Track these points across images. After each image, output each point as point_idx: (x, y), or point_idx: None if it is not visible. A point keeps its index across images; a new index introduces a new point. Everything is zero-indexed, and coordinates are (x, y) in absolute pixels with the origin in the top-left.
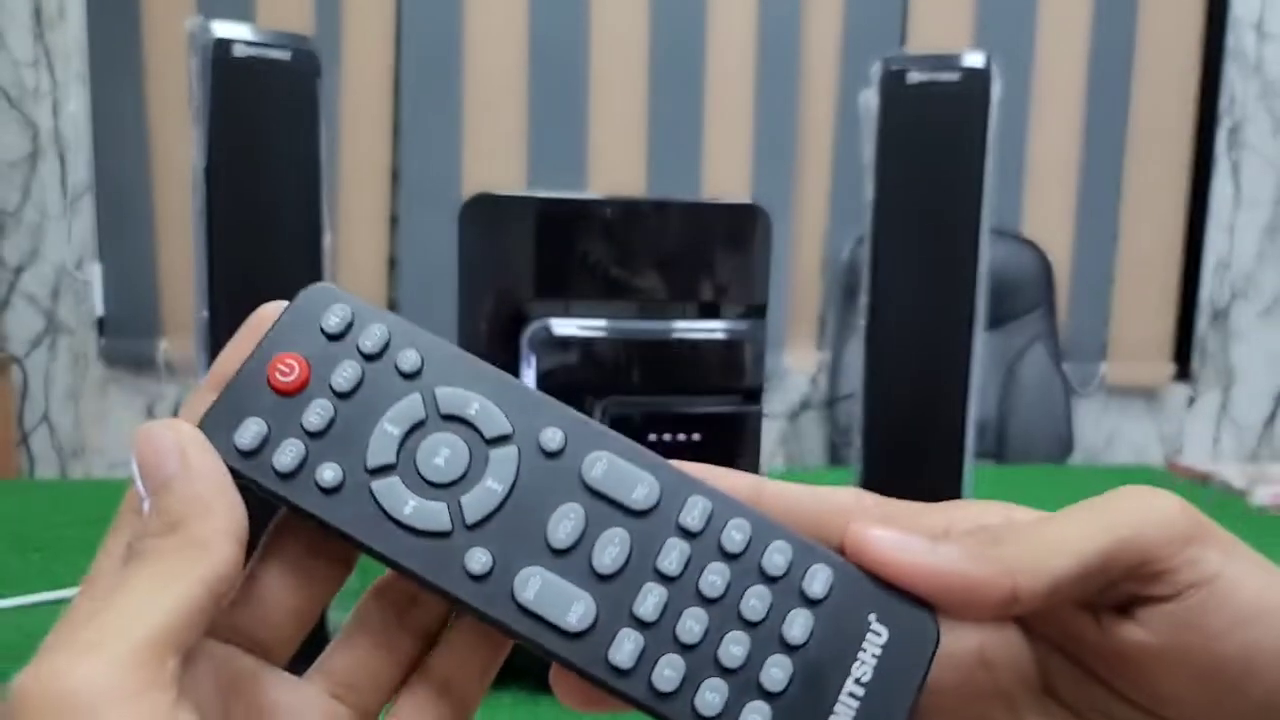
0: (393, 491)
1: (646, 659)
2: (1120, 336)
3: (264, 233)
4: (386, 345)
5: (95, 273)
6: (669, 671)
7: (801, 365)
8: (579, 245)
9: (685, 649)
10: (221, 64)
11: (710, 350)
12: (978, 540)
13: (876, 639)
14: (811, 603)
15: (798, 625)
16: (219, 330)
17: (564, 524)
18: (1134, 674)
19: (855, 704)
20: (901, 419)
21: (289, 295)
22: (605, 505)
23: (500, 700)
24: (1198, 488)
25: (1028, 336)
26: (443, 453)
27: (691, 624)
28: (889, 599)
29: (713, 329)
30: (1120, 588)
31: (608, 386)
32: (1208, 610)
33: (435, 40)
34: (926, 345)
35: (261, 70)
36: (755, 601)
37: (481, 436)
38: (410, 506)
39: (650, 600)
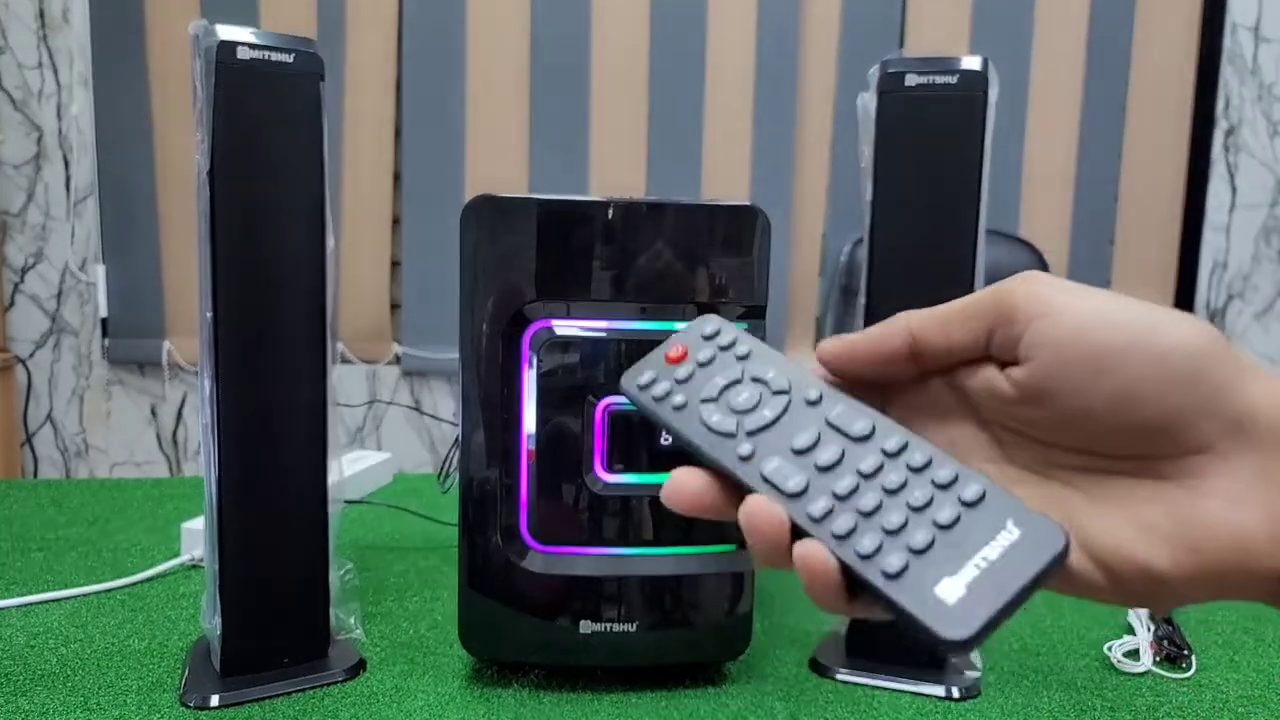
0: (709, 409)
1: (832, 514)
2: None
3: (267, 234)
4: (734, 341)
5: (99, 274)
6: (843, 521)
7: None
8: (580, 247)
9: (861, 512)
10: (225, 66)
11: None
12: (889, 319)
13: (1008, 535)
14: (963, 502)
15: (946, 510)
16: (223, 331)
17: (803, 435)
18: (1035, 410)
19: (975, 572)
20: None
21: (292, 296)
22: (835, 432)
23: (504, 697)
24: None
25: None
26: (744, 394)
27: (869, 496)
28: (1027, 514)
29: None
30: (999, 335)
31: (608, 386)
32: (1053, 330)
33: (437, 43)
34: None
35: (265, 73)
36: (919, 492)
37: (769, 388)
38: (716, 417)
39: (845, 481)
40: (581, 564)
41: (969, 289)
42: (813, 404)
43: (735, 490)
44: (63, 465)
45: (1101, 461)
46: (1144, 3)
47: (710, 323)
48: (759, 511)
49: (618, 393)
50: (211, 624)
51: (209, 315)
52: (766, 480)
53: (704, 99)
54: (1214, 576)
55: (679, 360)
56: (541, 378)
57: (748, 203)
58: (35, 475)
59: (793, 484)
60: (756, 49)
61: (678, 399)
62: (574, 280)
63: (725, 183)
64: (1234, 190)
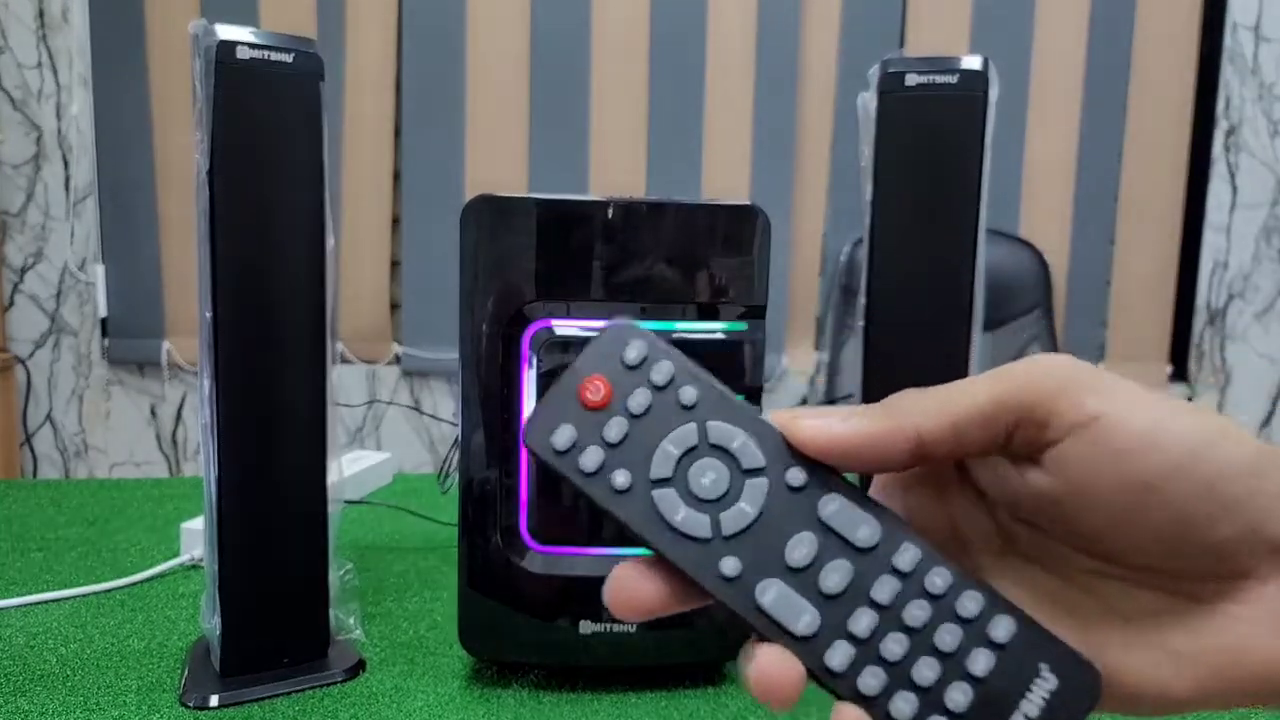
0: (668, 500)
1: (855, 666)
2: (1117, 337)
3: (267, 234)
4: (671, 380)
5: (99, 274)
6: (872, 680)
7: (800, 366)
8: (580, 247)
9: (887, 664)
10: (225, 66)
11: (710, 351)
12: (885, 402)
13: (1045, 684)
14: (994, 645)
15: (981, 661)
16: (223, 331)
17: (800, 548)
18: (1059, 516)
19: None
20: None
21: (291, 296)
22: (834, 538)
23: (504, 698)
24: None
25: (1025, 338)
26: (709, 475)
27: (894, 645)
28: (1061, 653)
29: (712, 330)
30: (1021, 435)
31: None
32: (1095, 447)
33: (437, 43)
34: (924, 346)
35: (264, 72)
36: (948, 636)
37: (739, 466)
38: (681, 514)
39: (863, 621)
40: (581, 564)
41: (969, 290)
42: (797, 491)
43: (701, 590)
44: (62, 465)
45: (1125, 571)
46: (1144, 2)
47: (631, 344)
48: (776, 670)
49: None
50: (211, 624)
51: (209, 315)
52: (768, 616)
53: (704, 98)
54: (1238, 698)
55: (601, 406)
56: (541, 378)
57: (748, 202)
58: (35, 475)
59: (804, 625)
60: (756, 48)
61: (619, 479)
62: (574, 280)
63: (725, 182)
64: (1234, 190)
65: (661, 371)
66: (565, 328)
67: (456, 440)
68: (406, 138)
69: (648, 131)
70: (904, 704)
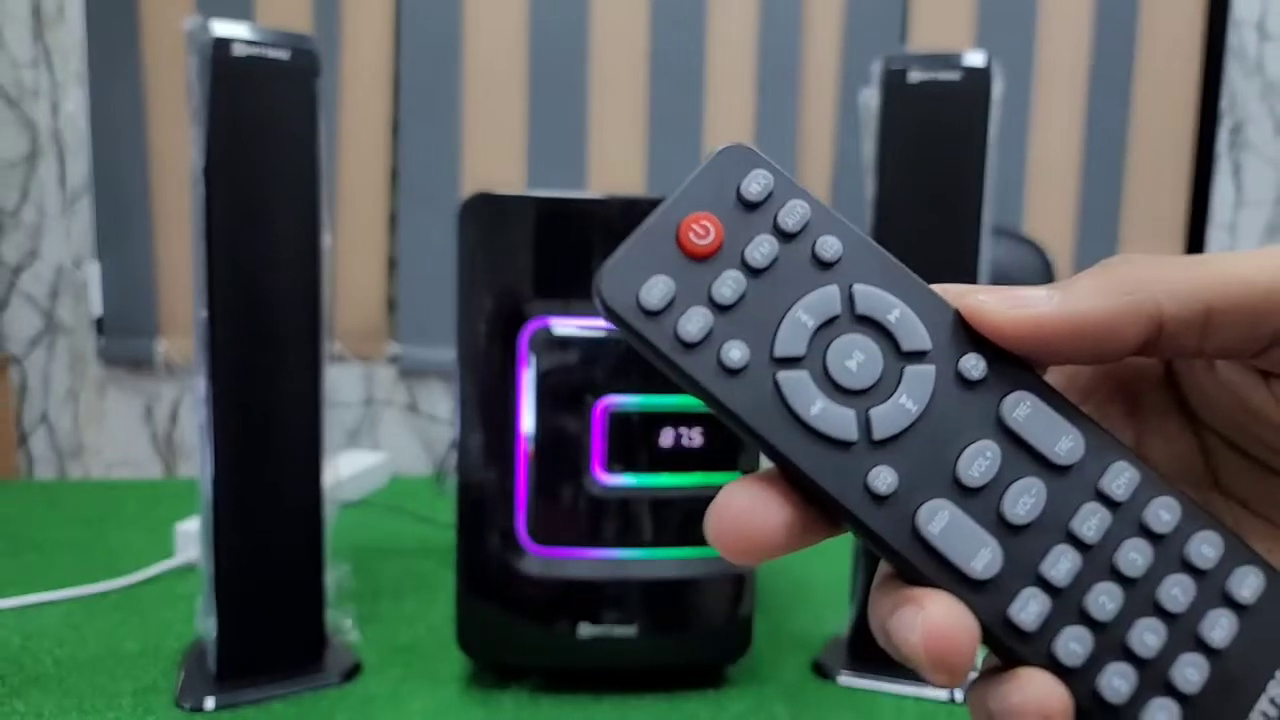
0: (800, 387)
1: (1051, 626)
2: None
3: (263, 232)
4: (805, 226)
5: (94, 272)
6: (1075, 646)
7: None
8: (579, 244)
9: (1095, 625)
10: (220, 63)
11: None
12: (1105, 271)
13: None
14: (1237, 606)
15: (1221, 627)
16: (218, 330)
17: (978, 461)
18: None
19: None
20: None
21: (287, 294)
22: (1022, 451)
23: (501, 701)
24: None
25: None
26: (855, 356)
27: (1104, 600)
28: None
29: None
30: None
31: (607, 386)
32: None
33: (434, 39)
34: None
35: (260, 69)
36: (1177, 591)
37: (897, 347)
38: (817, 407)
39: (1062, 564)
40: (580, 566)
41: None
42: (975, 386)
43: (830, 514)
44: (57, 465)
45: None
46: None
47: (753, 174)
48: (957, 627)
49: (617, 391)
50: (207, 626)
51: (203, 314)
52: (932, 549)
53: (704, 94)
54: None
55: (710, 254)
56: (540, 377)
57: None
58: (30, 476)
59: (981, 563)
60: (757, 42)
61: (732, 354)
62: (573, 279)
63: None
64: (1239, 188)
65: (793, 214)
66: (564, 327)
67: (454, 441)
68: (404, 134)
69: (647, 127)
70: (1119, 680)
